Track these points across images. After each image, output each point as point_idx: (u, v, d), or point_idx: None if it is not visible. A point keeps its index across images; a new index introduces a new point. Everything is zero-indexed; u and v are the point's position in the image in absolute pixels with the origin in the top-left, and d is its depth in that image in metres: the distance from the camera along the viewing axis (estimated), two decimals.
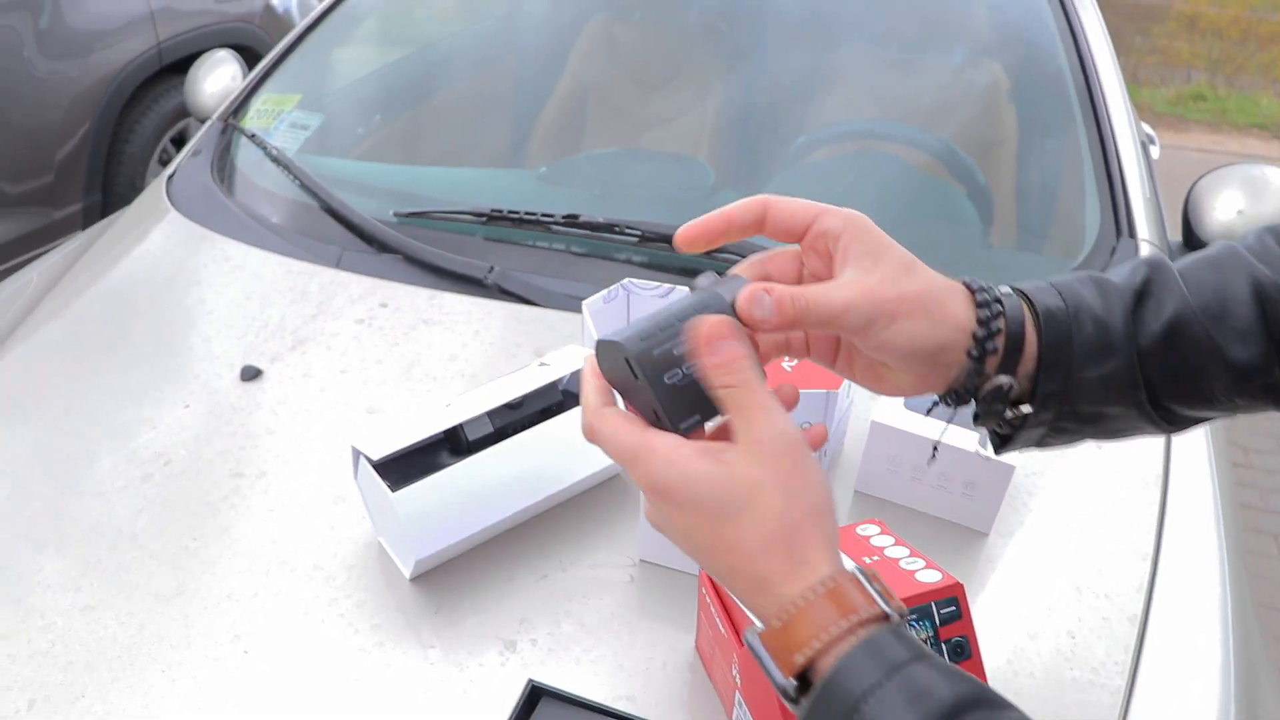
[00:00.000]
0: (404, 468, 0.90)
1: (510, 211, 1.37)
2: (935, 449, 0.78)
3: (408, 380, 1.14)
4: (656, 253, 1.33)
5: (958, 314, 0.57)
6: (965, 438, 0.95)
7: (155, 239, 1.44)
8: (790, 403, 0.54)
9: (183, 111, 3.14)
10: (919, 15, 1.80)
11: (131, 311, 1.28)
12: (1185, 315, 0.59)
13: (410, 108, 1.86)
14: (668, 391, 0.52)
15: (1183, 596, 0.94)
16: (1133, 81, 5.74)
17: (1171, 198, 1.60)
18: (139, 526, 0.96)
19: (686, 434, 0.52)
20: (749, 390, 0.51)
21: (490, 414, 0.93)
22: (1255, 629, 1.01)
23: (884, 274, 0.55)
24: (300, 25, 1.91)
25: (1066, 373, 0.59)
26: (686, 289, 0.59)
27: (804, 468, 0.50)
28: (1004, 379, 0.58)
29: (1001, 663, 0.85)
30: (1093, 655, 0.87)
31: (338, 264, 1.34)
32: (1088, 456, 1.07)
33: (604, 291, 1.06)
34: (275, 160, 1.54)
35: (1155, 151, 2.57)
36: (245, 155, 1.61)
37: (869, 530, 0.81)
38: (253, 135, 1.62)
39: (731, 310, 0.53)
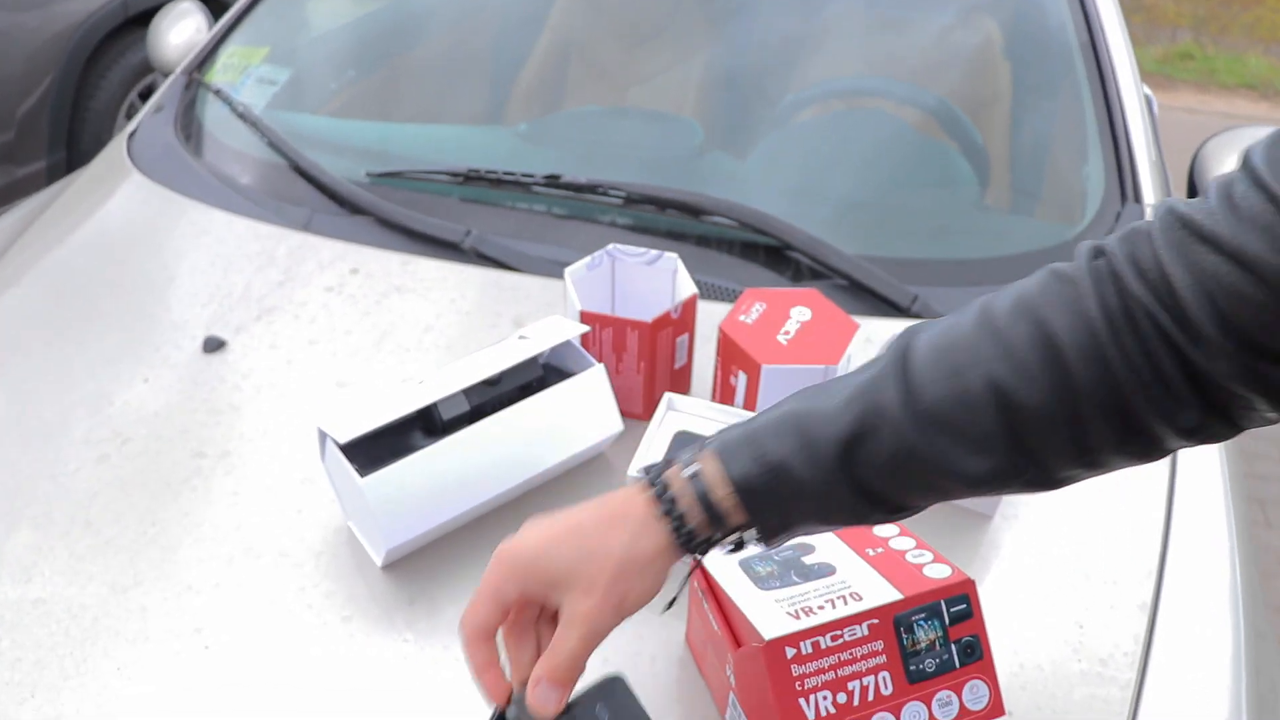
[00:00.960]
0: (374, 450, 0.84)
1: (488, 171, 1.30)
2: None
3: (379, 352, 1.08)
4: (642, 215, 1.26)
5: (656, 549, 0.58)
6: None
7: (115, 201, 1.36)
8: None
9: (150, 65, 3.03)
10: None
11: (87, 279, 1.21)
12: (909, 445, 0.55)
13: (384, 62, 1.77)
14: None
15: (1192, 581, 0.90)
16: None
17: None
18: (93, 511, 0.90)
19: None
20: None
21: (466, 391, 0.88)
22: (1263, 611, 0.97)
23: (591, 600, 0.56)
24: None
25: (783, 519, 0.59)
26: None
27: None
28: (739, 537, 0.60)
29: (1008, 654, 0.81)
30: (1101, 646, 0.83)
31: (307, 227, 1.27)
32: None
33: (588, 258, 1.00)
34: (241, 117, 1.46)
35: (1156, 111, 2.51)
36: (210, 112, 1.53)
37: None
38: (218, 90, 1.54)
39: None
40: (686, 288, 0.97)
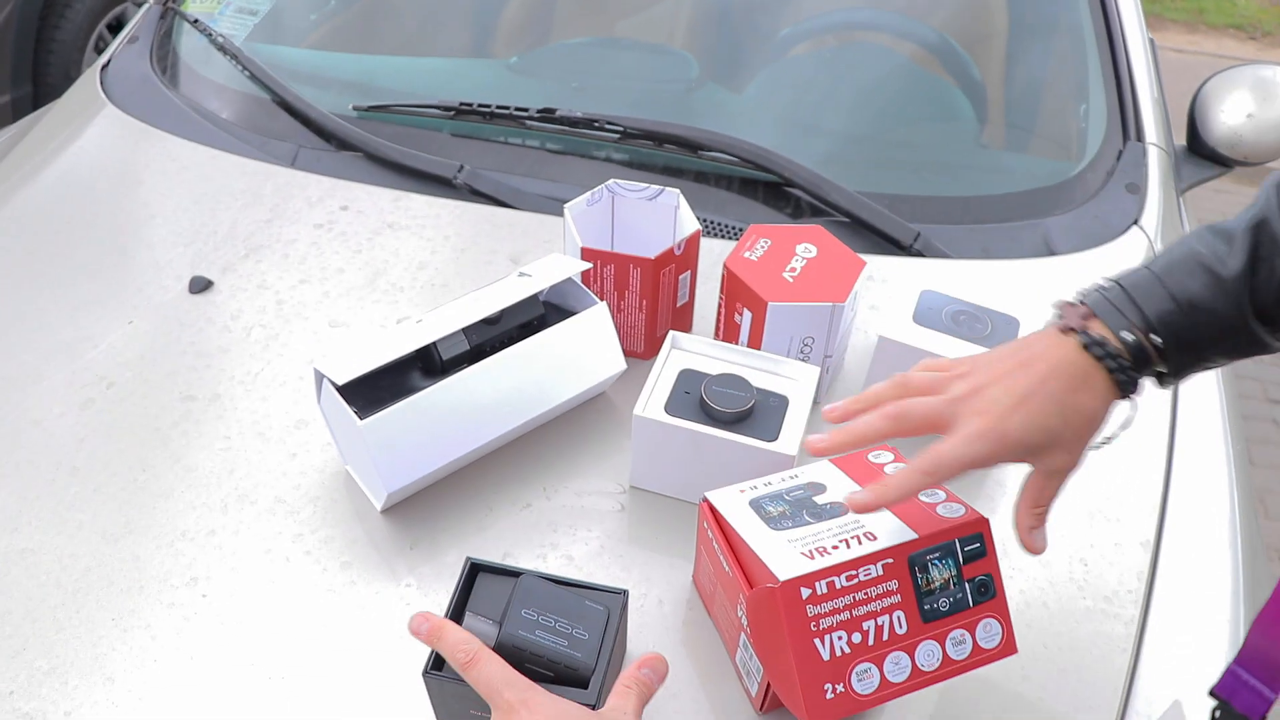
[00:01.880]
0: (372, 391, 0.82)
1: (480, 105, 1.26)
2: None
3: (373, 290, 1.05)
4: (639, 150, 1.23)
5: (1093, 393, 0.63)
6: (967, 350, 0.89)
7: (90, 136, 1.31)
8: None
9: None
10: None
11: (65, 217, 1.17)
12: None
13: None
14: None
15: (1193, 518, 0.90)
16: None
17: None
18: (80, 458, 0.88)
19: None
20: None
21: (466, 331, 0.85)
22: (1262, 549, 0.98)
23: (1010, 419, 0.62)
24: None
25: (1195, 355, 0.65)
26: None
27: None
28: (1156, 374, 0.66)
29: (1014, 592, 0.81)
30: (1105, 583, 0.83)
31: (293, 163, 1.23)
32: None
33: (588, 194, 0.97)
34: (221, 49, 1.41)
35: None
36: (188, 43, 1.47)
37: (883, 457, 0.75)
38: (195, 20, 1.48)
39: None
40: (689, 224, 0.95)
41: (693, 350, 0.88)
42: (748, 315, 0.90)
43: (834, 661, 0.62)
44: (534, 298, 0.89)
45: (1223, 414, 1.03)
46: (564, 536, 0.82)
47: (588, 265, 0.90)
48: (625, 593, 0.68)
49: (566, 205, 0.95)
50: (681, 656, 0.75)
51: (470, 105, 1.26)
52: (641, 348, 0.97)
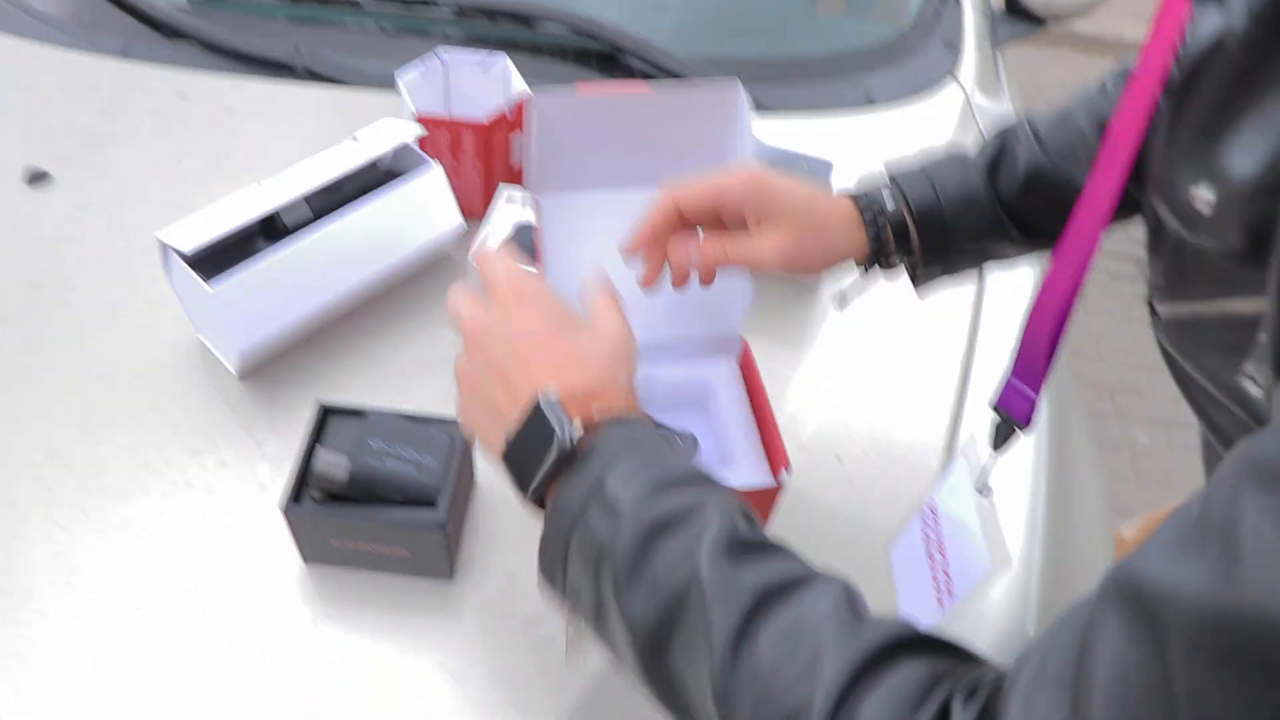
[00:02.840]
0: (219, 260, 0.85)
1: None
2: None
3: (218, 173, 1.06)
4: (474, 26, 1.25)
5: (853, 238, 0.72)
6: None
7: None
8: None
9: None
10: None
11: None
12: (1038, 165, 0.74)
13: None
14: None
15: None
16: None
17: None
18: None
19: None
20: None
21: (308, 199, 0.88)
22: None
23: (792, 230, 0.68)
24: None
25: (943, 231, 0.74)
26: None
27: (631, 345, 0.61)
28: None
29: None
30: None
31: (125, 54, 1.22)
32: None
33: (418, 62, 0.99)
34: None
35: None
36: None
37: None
38: None
39: None
40: (519, 88, 0.98)
41: (523, 202, 0.92)
42: None
43: None
44: (374, 165, 0.92)
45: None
46: (415, 383, 0.88)
47: (418, 128, 0.93)
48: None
49: (398, 74, 0.97)
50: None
51: None
52: (480, 209, 1.01)
